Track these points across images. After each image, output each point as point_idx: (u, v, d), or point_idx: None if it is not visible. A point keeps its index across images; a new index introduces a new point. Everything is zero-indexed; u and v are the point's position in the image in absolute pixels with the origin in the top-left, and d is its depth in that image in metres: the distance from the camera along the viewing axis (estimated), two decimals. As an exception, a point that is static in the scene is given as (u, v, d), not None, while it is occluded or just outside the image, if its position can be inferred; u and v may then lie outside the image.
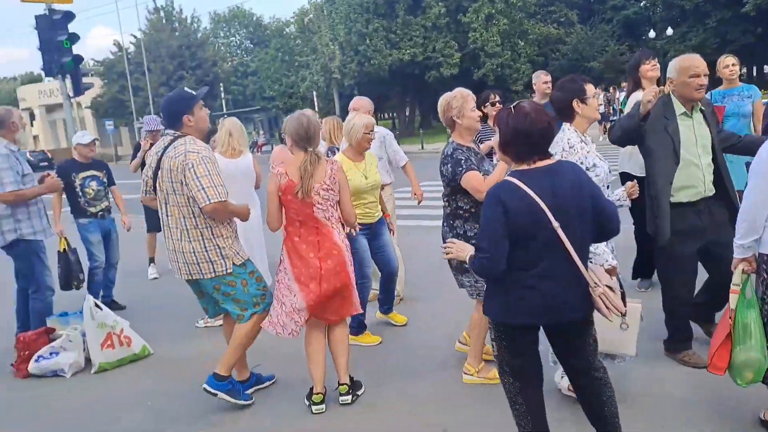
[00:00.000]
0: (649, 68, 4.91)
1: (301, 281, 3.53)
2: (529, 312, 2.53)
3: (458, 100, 3.62)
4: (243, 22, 58.14)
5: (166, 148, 3.52)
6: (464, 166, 3.49)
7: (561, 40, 39.39)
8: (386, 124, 48.35)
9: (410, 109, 41.07)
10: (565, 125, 3.21)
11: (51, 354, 4.55)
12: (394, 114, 44.04)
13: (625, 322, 3.09)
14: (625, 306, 2.89)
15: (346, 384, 3.68)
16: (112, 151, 40.93)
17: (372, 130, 4.43)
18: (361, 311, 3.88)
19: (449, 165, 3.56)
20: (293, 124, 3.58)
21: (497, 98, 5.74)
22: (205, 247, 3.51)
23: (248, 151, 5.33)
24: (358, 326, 4.61)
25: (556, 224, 2.41)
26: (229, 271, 3.57)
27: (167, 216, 3.58)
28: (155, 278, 7.35)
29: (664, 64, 5.17)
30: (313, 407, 3.61)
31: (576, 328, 2.63)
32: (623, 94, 18.35)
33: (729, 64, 5.18)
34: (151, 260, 7.47)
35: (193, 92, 3.67)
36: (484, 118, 5.82)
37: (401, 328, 4.91)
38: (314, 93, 38.11)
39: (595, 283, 2.49)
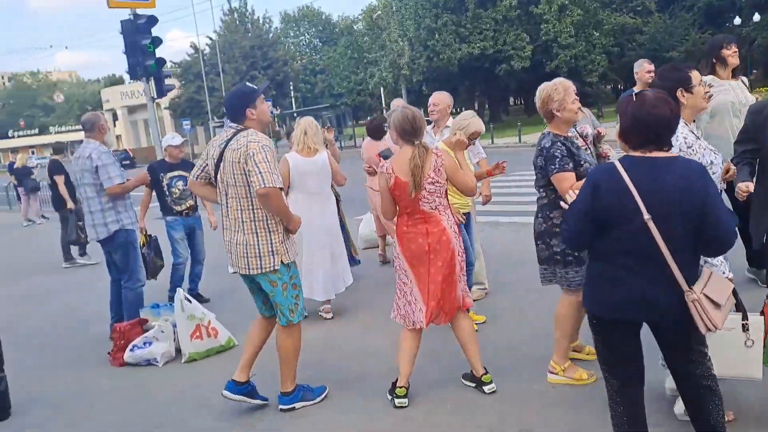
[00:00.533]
0: (730, 53, 4.66)
1: (413, 264, 3.59)
2: (614, 306, 2.46)
3: (560, 93, 3.52)
4: (312, 21, 59.05)
5: (229, 140, 3.56)
6: (557, 165, 3.40)
7: (638, 30, 37.88)
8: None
9: (479, 103, 40.67)
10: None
11: (145, 344, 4.77)
12: (463, 108, 43.69)
13: (750, 338, 2.83)
14: (746, 319, 2.74)
15: (487, 373, 3.71)
16: (189, 150, 42.49)
17: (476, 139, 4.51)
18: (470, 306, 3.84)
19: (542, 158, 3.50)
20: (398, 117, 3.57)
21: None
22: (257, 242, 3.52)
23: (323, 148, 5.41)
24: None
25: (647, 216, 2.31)
26: (275, 268, 3.56)
27: (226, 207, 3.62)
28: (235, 272, 7.55)
29: (750, 52, 4.89)
30: (396, 400, 3.63)
31: (673, 332, 2.50)
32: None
33: None
34: (232, 255, 7.70)
35: (255, 86, 3.74)
36: None
37: (481, 326, 4.85)
38: (381, 89, 38.27)
39: (690, 288, 2.35)
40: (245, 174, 3.45)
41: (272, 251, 3.54)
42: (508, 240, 7.70)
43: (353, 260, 6.16)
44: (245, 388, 3.80)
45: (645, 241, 2.34)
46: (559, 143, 3.46)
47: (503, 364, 4.08)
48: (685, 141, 2.90)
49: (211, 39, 46.16)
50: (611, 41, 36.09)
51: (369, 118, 7.08)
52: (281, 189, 3.47)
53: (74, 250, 9.44)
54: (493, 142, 24.82)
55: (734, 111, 4.66)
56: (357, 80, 43.63)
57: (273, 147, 3.58)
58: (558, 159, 3.40)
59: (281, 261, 3.57)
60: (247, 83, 3.93)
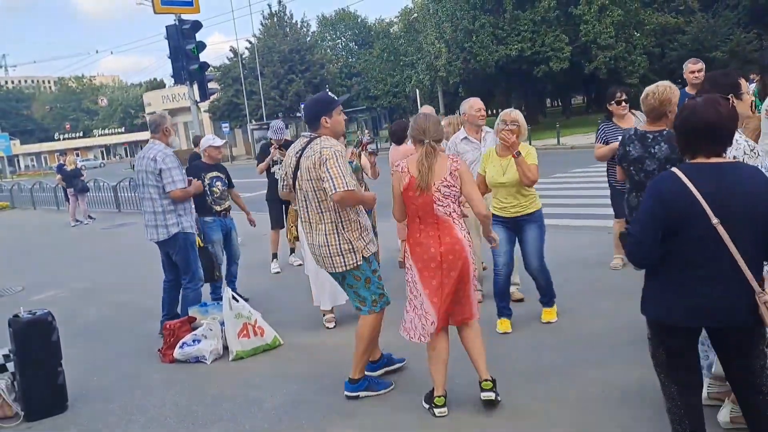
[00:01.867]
0: None
1: (424, 276, 3.53)
2: (685, 313, 2.45)
3: (676, 96, 3.75)
4: (348, 25, 59.45)
5: (303, 148, 3.76)
6: None
7: (680, 30, 37.00)
8: (491, 121, 47.76)
9: (516, 105, 40.32)
10: None
11: (194, 341, 4.89)
12: (500, 110, 43.48)
13: None
14: None
15: (488, 380, 3.60)
16: (228, 152, 43.18)
17: (510, 122, 4.51)
18: (477, 317, 3.70)
19: None
20: (411, 123, 3.71)
21: (624, 96, 5.71)
22: (338, 241, 3.73)
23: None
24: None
25: (715, 220, 2.33)
26: (358, 263, 3.76)
27: (306, 212, 3.85)
28: (277, 272, 7.68)
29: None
30: (436, 410, 3.58)
31: (740, 336, 2.49)
32: (753, 86, 16.98)
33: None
34: (274, 256, 7.81)
35: (335, 97, 3.95)
36: (610, 116, 5.68)
37: (521, 327, 4.83)
38: (417, 91, 38.32)
39: (762, 290, 2.35)
40: (320, 180, 3.64)
41: (352, 249, 3.76)
42: (550, 243, 7.62)
43: None
44: (380, 364, 4.19)
45: (714, 246, 2.35)
46: None
47: (561, 365, 4.08)
48: (749, 144, 2.92)
49: (250, 43, 46.88)
50: (652, 42, 35.38)
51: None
52: (352, 190, 3.62)
53: None
54: (530, 144, 24.60)
55: None
56: (393, 83, 43.78)
57: (344, 151, 3.75)
58: None
59: (362, 256, 3.78)
60: (329, 93, 4.08)
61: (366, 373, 3.99)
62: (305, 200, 3.81)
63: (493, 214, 4.64)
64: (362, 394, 3.88)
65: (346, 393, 3.90)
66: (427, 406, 3.66)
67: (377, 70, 45.18)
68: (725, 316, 2.42)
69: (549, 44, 31.69)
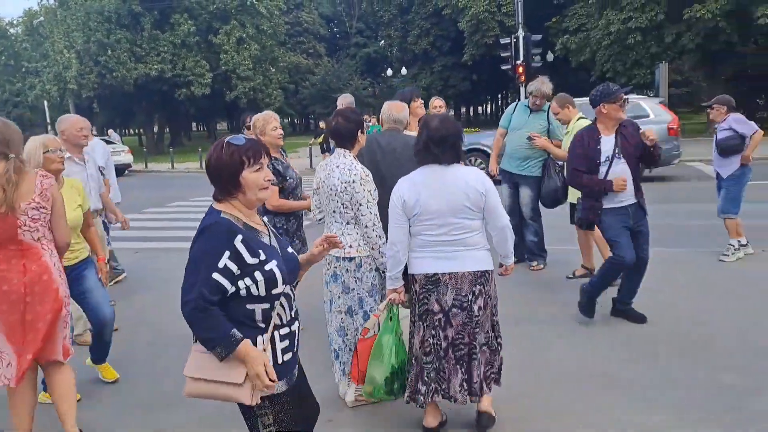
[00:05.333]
0: (417, 105, 4.99)
1: (3, 311, 2.93)
2: None
3: (261, 122, 4.25)
4: (-47, 16, 50.02)
5: None
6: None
7: (310, 71, 41.47)
8: (132, 141, 45.57)
9: (159, 126, 39.33)
10: (350, 153, 3.32)
11: None
12: (141, 130, 41.71)
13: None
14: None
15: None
16: None
17: (51, 150, 3.54)
18: (71, 355, 3.15)
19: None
20: None
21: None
22: None
23: None
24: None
25: None
26: None
27: None
28: None
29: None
30: None
31: None
32: (368, 125, 20.15)
33: (437, 105, 5.99)
34: None
35: None
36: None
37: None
38: (45, 103, 34.42)
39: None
40: None
41: None
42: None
43: None
44: None
45: None
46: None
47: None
48: (363, 170, 3.24)
49: None
50: (287, 78, 38.78)
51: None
52: None
53: None
54: (173, 167, 24.43)
55: None
56: (13, 90, 38.41)
57: None
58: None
59: None
60: None
61: None
62: None
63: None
64: None
65: None
66: None
67: (-9, 73, 39.07)
68: None
69: (190, 68, 31.96)
